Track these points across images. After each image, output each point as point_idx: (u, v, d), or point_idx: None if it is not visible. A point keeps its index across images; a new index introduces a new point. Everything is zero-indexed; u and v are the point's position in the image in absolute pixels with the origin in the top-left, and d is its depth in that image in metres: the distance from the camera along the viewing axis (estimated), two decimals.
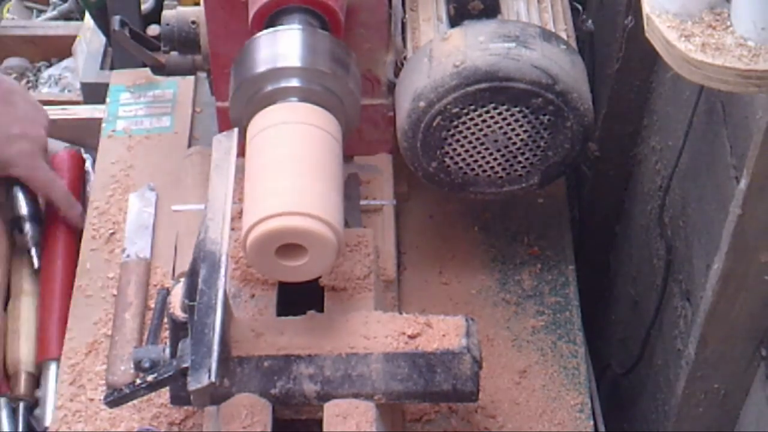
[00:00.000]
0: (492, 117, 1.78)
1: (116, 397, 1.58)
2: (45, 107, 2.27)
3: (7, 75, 3.25)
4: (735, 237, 1.50)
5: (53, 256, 2.14)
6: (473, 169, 1.85)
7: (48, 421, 1.96)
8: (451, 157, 1.83)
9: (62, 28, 3.29)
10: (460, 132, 1.80)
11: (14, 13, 3.45)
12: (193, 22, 1.95)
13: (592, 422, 1.81)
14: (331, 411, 1.55)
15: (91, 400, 1.81)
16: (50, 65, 3.29)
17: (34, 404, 2.05)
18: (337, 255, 1.57)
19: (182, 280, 1.58)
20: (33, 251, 2.14)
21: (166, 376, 1.54)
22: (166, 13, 1.97)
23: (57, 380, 1.90)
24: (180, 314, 1.58)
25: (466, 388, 1.58)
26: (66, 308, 1.96)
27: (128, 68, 2.30)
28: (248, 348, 1.60)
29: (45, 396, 2.02)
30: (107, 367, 1.82)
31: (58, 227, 2.17)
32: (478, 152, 1.83)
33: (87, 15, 2.65)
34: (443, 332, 1.62)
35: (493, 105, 1.77)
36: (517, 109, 1.77)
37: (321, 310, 1.67)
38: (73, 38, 3.06)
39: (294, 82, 1.67)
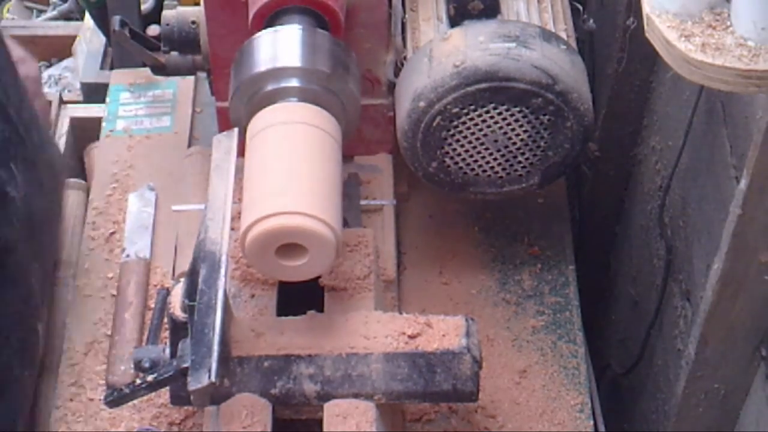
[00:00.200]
0: (492, 117, 1.78)
1: (116, 397, 1.58)
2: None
3: None
4: (735, 237, 1.50)
5: None
6: (473, 169, 1.85)
7: None
8: (451, 157, 1.83)
9: (62, 28, 3.29)
10: (460, 132, 1.80)
11: (14, 13, 3.46)
12: (193, 22, 1.95)
13: (592, 422, 1.81)
14: (331, 411, 1.55)
15: (91, 400, 1.81)
16: (50, 65, 3.29)
17: None
18: (336, 255, 1.57)
19: (182, 280, 1.58)
20: None
21: (166, 376, 1.54)
22: (166, 13, 1.97)
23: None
24: (180, 314, 1.58)
25: (466, 388, 1.58)
26: None
27: (128, 68, 2.30)
28: (248, 348, 1.60)
29: None
30: (107, 367, 1.82)
31: None
32: (478, 152, 1.83)
33: (87, 15, 2.65)
34: (443, 332, 1.62)
35: (493, 105, 1.77)
36: (517, 109, 1.77)
37: (321, 310, 1.67)
38: (73, 38, 3.05)
39: (294, 82, 1.67)
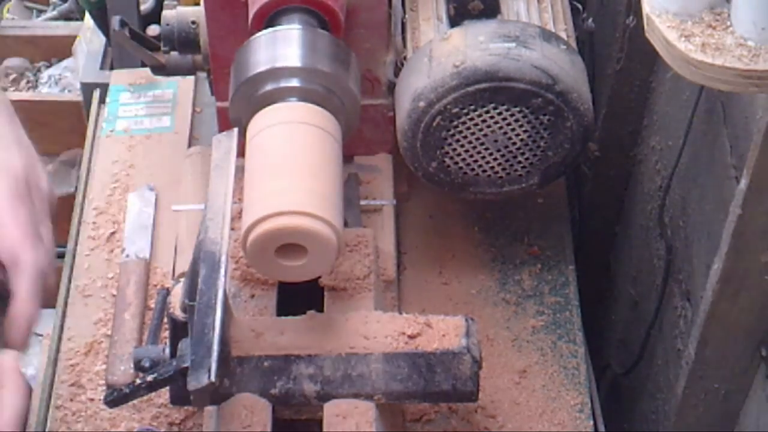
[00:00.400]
0: (492, 117, 1.78)
1: (116, 397, 1.58)
2: None
3: (7, 75, 3.26)
4: (735, 237, 1.50)
5: None
6: (473, 169, 1.85)
7: None
8: (451, 157, 1.83)
9: (62, 28, 3.30)
10: (460, 132, 1.80)
11: (14, 13, 3.46)
12: (193, 22, 1.95)
13: (592, 422, 1.81)
14: (331, 411, 1.55)
15: (91, 400, 1.81)
16: (50, 65, 3.30)
17: None
18: (336, 255, 1.56)
19: (182, 280, 1.58)
20: None
21: (166, 376, 1.54)
22: (166, 13, 1.97)
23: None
24: (180, 314, 1.58)
25: (466, 388, 1.58)
26: None
27: (128, 68, 2.30)
28: (248, 348, 1.60)
29: None
30: (107, 367, 1.82)
31: None
32: (478, 152, 1.83)
33: (87, 15, 2.66)
34: (443, 332, 1.62)
35: (493, 105, 1.77)
36: (517, 109, 1.77)
37: (321, 310, 1.67)
38: (73, 38, 3.06)
39: (294, 82, 1.67)
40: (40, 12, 3.50)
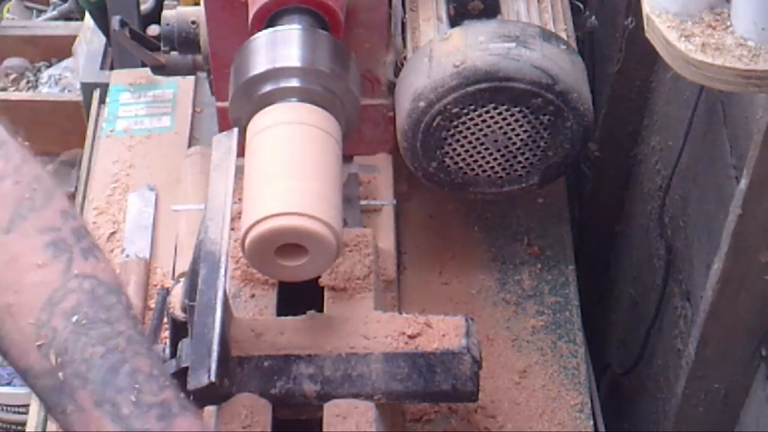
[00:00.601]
0: (492, 117, 1.78)
1: None
2: None
3: (6, 75, 3.26)
4: (735, 237, 1.50)
5: None
6: (473, 169, 1.85)
7: None
8: (451, 157, 1.83)
9: (62, 28, 3.30)
10: (460, 132, 1.80)
11: (14, 13, 3.46)
12: (193, 22, 1.95)
13: (592, 422, 1.81)
14: (330, 411, 1.55)
15: None
16: (50, 65, 3.30)
17: None
18: (336, 255, 1.56)
19: (182, 280, 1.58)
20: None
21: None
22: (166, 13, 1.97)
23: None
24: (180, 314, 1.58)
25: (466, 388, 1.58)
26: None
27: (128, 68, 2.30)
28: (248, 348, 1.59)
29: None
30: None
31: None
32: (478, 152, 1.83)
33: (87, 15, 2.66)
34: (443, 332, 1.61)
35: (493, 105, 1.77)
36: (517, 109, 1.77)
37: (321, 310, 1.67)
38: (73, 38, 3.06)
39: (294, 82, 1.67)
40: (40, 12, 3.50)
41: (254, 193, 1.58)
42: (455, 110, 1.77)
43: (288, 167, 1.59)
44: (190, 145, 2.14)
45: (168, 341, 1.61)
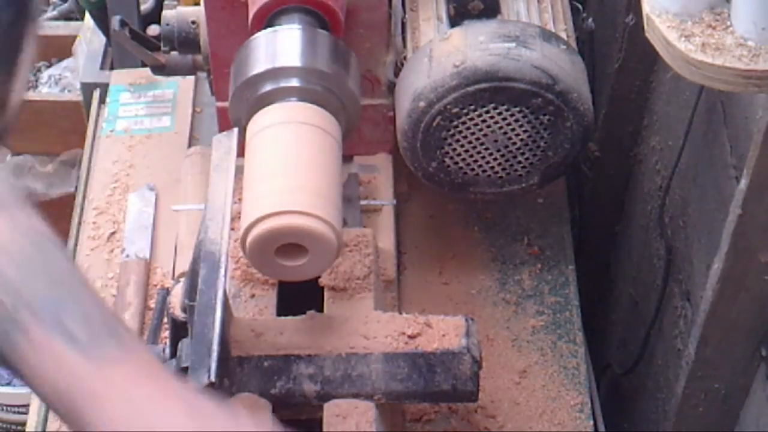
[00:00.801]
0: (492, 117, 1.78)
1: None
2: None
3: None
4: (735, 237, 1.50)
5: None
6: (473, 169, 1.85)
7: None
8: (451, 157, 1.83)
9: (62, 28, 3.29)
10: (460, 132, 1.80)
11: None
12: (193, 22, 1.95)
13: (592, 422, 1.81)
14: (330, 411, 1.55)
15: None
16: (50, 65, 3.29)
17: None
18: (336, 255, 1.56)
19: (182, 280, 1.58)
20: None
21: None
22: (166, 13, 1.97)
23: None
24: (180, 314, 1.58)
25: (466, 388, 1.58)
26: None
27: (128, 68, 2.30)
28: (248, 348, 1.59)
29: None
30: None
31: None
32: (478, 152, 1.83)
33: (87, 15, 2.65)
34: (443, 332, 1.61)
35: (493, 105, 1.77)
36: (517, 109, 1.77)
37: (321, 310, 1.67)
38: (73, 38, 3.06)
39: (293, 82, 1.67)
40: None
41: (254, 192, 1.58)
42: (455, 110, 1.77)
43: (288, 167, 1.59)
44: (190, 145, 2.14)
45: (168, 341, 1.61)
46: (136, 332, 1.19)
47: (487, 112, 1.78)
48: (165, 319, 1.65)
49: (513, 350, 1.88)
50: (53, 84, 3.23)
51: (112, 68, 2.42)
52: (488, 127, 1.79)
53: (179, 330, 1.57)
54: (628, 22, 1.96)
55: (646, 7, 1.30)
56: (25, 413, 2.10)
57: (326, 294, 1.69)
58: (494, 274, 1.97)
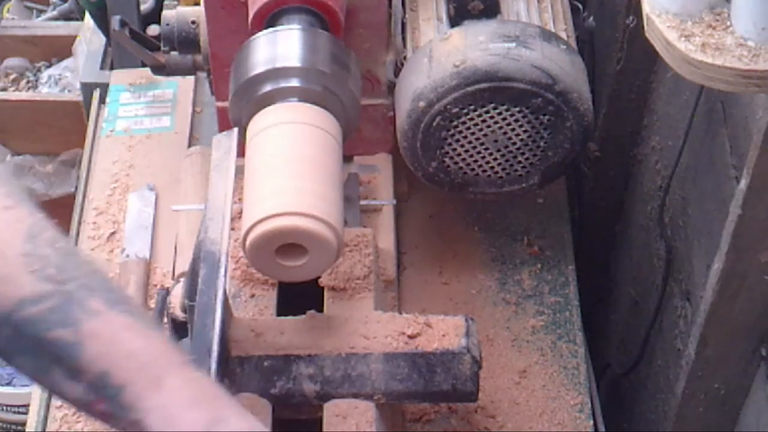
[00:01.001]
0: (492, 117, 1.78)
1: None
2: None
3: (6, 75, 3.26)
4: (735, 237, 1.50)
5: None
6: (473, 169, 1.85)
7: None
8: (451, 157, 1.83)
9: (62, 28, 3.29)
10: (460, 132, 1.80)
11: (14, 13, 3.46)
12: (193, 22, 1.95)
13: (592, 422, 1.81)
14: (330, 411, 1.55)
15: None
16: (50, 65, 3.29)
17: None
18: (337, 255, 1.56)
19: (182, 280, 1.58)
20: None
21: None
22: (166, 13, 1.97)
23: None
24: (180, 314, 1.58)
25: (466, 388, 1.58)
26: None
27: (128, 68, 2.30)
28: (248, 348, 1.60)
29: None
30: None
31: None
32: (478, 152, 1.83)
33: (87, 15, 2.65)
34: (443, 332, 1.61)
35: (493, 105, 1.77)
36: (517, 109, 1.77)
37: (321, 310, 1.67)
38: (73, 38, 3.06)
39: (294, 83, 1.67)
40: (40, 12, 3.49)
41: (254, 193, 1.58)
42: (455, 110, 1.77)
43: (288, 167, 1.59)
44: (190, 145, 2.14)
45: None
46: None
47: (487, 112, 1.78)
48: (165, 319, 1.65)
49: (513, 350, 1.88)
50: (53, 84, 3.23)
51: (112, 68, 2.42)
52: (488, 127, 1.79)
53: (179, 330, 1.57)
54: (629, 23, 1.96)
55: (646, 7, 1.30)
56: (25, 413, 2.10)
57: (326, 294, 1.69)
58: (494, 274, 1.97)
